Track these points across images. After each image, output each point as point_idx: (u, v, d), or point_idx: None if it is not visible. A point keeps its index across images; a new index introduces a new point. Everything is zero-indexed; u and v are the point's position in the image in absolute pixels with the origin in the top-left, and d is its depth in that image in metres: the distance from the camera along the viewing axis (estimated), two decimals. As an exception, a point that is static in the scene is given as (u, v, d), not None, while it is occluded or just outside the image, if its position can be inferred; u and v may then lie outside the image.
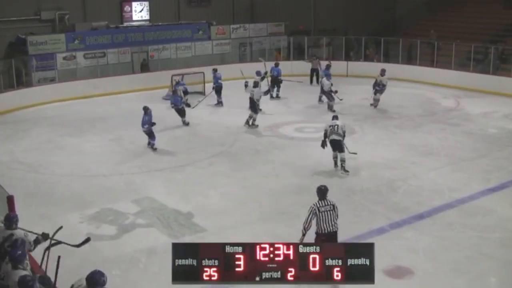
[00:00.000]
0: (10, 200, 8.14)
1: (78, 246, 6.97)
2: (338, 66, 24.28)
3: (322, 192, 8.06)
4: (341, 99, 18.07)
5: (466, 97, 20.41)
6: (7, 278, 6.19)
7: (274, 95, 20.66)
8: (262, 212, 10.69)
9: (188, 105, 17.16)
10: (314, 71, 23.23)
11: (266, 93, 17.14)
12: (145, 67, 23.72)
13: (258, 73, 18.29)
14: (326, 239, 7.85)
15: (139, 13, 25.24)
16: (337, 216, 8.01)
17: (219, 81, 19.49)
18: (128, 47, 23.27)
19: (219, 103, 19.38)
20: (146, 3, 25.25)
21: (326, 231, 7.89)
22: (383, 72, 18.30)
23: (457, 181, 12.10)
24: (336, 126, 12.35)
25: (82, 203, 11.12)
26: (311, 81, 23.29)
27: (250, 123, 16.55)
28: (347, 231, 9.74)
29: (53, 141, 15.70)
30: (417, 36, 24.88)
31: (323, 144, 12.49)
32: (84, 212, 10.70)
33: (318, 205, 7.95)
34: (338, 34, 27.64)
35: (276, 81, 20.64)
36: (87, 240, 7.04)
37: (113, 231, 10.00)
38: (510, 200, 11.14)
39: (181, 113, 16.85)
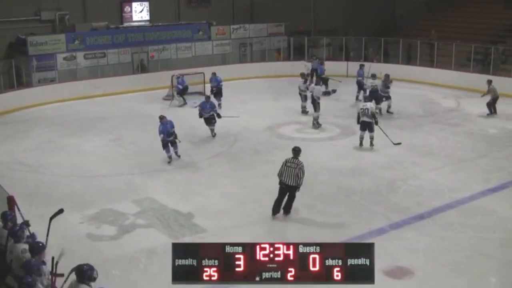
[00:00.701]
0: (10, 200, 8.15)
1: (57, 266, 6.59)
2: (338, 66, 24.33)
3: (295, 152, 10.22)
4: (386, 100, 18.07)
5: (466, 97, 20.40)
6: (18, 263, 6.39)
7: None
8: (262, 212, 10.68)
9: (219, 116, 15.68)
10: (314, 72, 23.19)
11: (325, 93, 16.94)
12: (143, 68, 23.70)
13: (302, 75, 18.20)
14: (285, 187, 10.08)
15: (139, 13, 25.22)
16: (298, 176, 9.91)
17: (220, 83, 19.47)
18: (128, 47, 23.25)
19: (219, 105, 19.24)
20: (146, 4, 25.23)
21: (284, 181, 10.05)
22: (387, 77, 18.11)
23: (457, 181, 12.10)
24: (366, 109, 14.05)
25: (82, 204, 11.12)
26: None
27: (316, 123, 16.53)
28: (347, 231, 9.77)
29: (53, 142, 15.71)
30: (417, 36, 24.87)
31: (358, 122, 14.43)
32: (84, 212, 10.70)
33: (287, 160, 10.12)
34: (338, 35, 27.64)
35: (321, 79, 20.52)
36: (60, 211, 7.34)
37: (113, 231, 10.00)
38: (510, 200, 11.14)
39: (208, 121, 15.60)
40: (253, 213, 10.67)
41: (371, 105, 14.36)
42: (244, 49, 26.44)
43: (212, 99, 18.97)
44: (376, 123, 14.16)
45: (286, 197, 10.26)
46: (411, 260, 8.75)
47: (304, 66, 19.02)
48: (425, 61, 23.83)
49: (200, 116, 15.62)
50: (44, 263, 6.38)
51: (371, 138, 14.26)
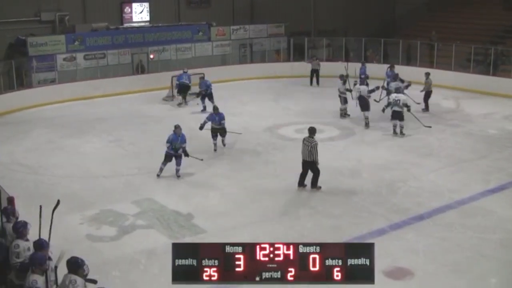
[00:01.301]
0: (10, 201, 8.15)
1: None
2: (338, 67, 24.28)
3: (310, 131, 11.57)
4: (418, 103, 18.06)
5: (466, 98, 20.40)
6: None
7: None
8: (262, 213, 10.69)
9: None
10: (314, 72, 23.24)
11: (370, 92, 16.92)
12: (142, 68, 23.68)
13: (341, 77, 17.79)
14: (304, 163, 11.57)
15: (139, 14, 25.19)
16: (311, 152, 11.29)
17: (210, 87, 18.99)
18: (128, 48, 23.23)
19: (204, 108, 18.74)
20: (146, 4, 25.22)
21: (302, 157, 11.51)
22: (396, 76, 18.21)
23: (457, 182, 12.10)
24: (398, 100, 15.35)
25: (82, 204, 11.12)
26: (311, 82, 23.29)
27: (368, 122, 16.49)
28: (347, 232, 9.77)
29: (53, 142, 15.70)
30: (417, 37, 24.88)
31: (384, 110, 15.88)
32: (84, 213, 10.70)
33: (304, 138, 11.57)
34: (338, 35, 27.66)
35: (361, 81, 20.29)
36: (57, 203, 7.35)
37: (113, 232, 10.00)
38: (510, 201, 11.14)
39: (216, 133, 14.51)
40: (253, 213, 10.67)
41: (403, 96, 15.63)
42: (244, 50, 26.44)
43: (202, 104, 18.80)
44: (409, 110, 15.58)
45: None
46: (411, 260, 8.74)
47: (344, 67, 18.64)
48: (425, 62, 23.81)
49: (201, 128, 14.44)
50: (50, 258, 6.47)
51: (401, 127, 15.54)
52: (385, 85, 18.28)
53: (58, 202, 7.53)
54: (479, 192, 11.53)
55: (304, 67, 23.89)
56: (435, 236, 9.62)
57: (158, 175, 12.61)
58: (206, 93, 18.93)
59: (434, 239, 9.48)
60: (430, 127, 15.99)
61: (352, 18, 29.08)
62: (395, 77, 18.31)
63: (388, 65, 20.14)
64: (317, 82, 23.18)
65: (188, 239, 9.58)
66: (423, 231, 9.82)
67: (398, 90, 16.29)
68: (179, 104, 20.02)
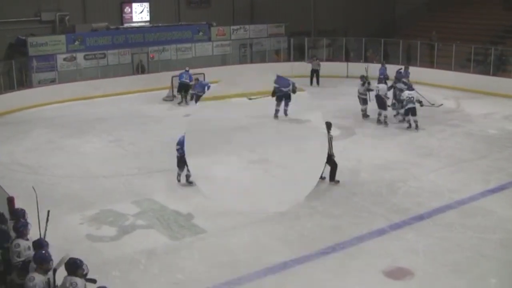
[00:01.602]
0: (10, 201, 8.16)
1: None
2: (338, 67, 24.35)
3: (325, 125, 12.16)
4: (432, 104, 18.04)
5: (466, 98, 20.40)
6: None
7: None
8: (262, 213, 10.67)
9: None
10: (314, 72, 23.24)
11: (389, 89, 16.95)
12: (142, 68, 23.68)
13: (361, 78, 17.61)
14: None
15: (139, 14, 25.20)
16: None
17: (206, 88, 18.95)
18: (128, 48, 23.25)
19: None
20: (146, 4, 25.23)
21: None
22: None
23: (457, 182, 12.10)
24: (412, 97, 16.06)
25: (82, 204, 11.12)
26: (311, 82, 23.29)
27: (382, 120, 16.67)
28: (347, 232, 9.77)
29: (53, 142, 15.70)
30: (417, 37, 24.88)
31: (394, 105, 17.10)
32: (84, 213, 10.70)
33: None
34: (338, 35, 27.67)
35: (379, 80, 20.22)
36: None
37: (113, 232, 9.99)
38: (510, 201, 11.14)
39: None
40: (253, 214, 10.64)
41: (415, 93, 16.32)
42: (244, 50, 26.46)
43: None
44: (421, 105, 16.30)
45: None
46: (411, 260, 8.75)
47: (364, 68, 18.47)
48: (425, 62, 23.81)
49: None
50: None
51: (416, 122, 16.17)
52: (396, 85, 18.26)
53: (36, 195, 7.53)
54: (479, 192, 11.53)
55: (304, 67, 23.89)
56: (435, 236, 9.62)
57: (178, 180, 12.18)
58: (201, 95, 18.83)
59: (434, 239, 9.48)
60: (441, 105, 17.61)
61: (352, 18, 29.08)
62: (399, 79, 18.21)
63: (402, 66, 19.94)
64: (317, 82, 23.19)
65: (188, 239, 9.59)
66: (423, 231, 9.82)
67: (410, 88, 16.52)
68: (179, 103, 20.04)
